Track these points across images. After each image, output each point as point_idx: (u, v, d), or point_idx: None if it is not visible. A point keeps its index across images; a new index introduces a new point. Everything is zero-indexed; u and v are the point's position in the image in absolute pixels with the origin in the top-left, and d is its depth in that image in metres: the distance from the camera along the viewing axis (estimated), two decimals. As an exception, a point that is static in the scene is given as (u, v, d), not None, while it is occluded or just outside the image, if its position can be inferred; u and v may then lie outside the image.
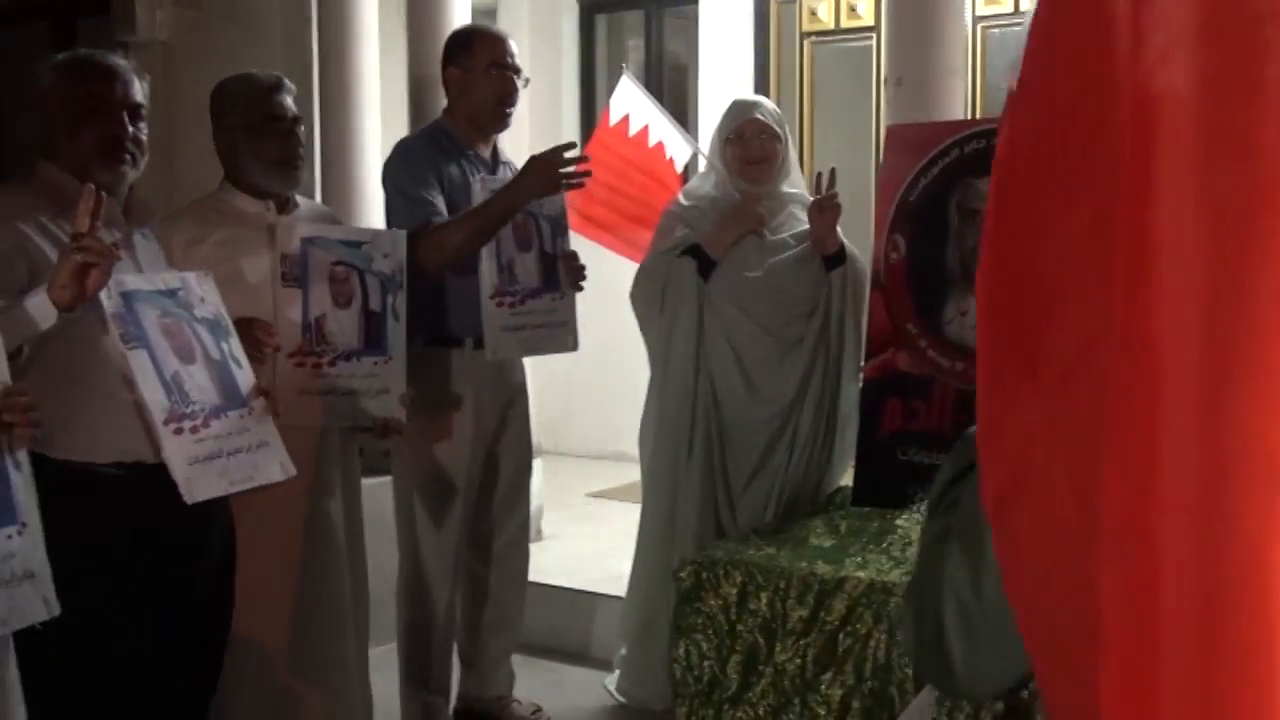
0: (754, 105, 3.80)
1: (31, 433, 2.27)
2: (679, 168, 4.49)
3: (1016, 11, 6.57)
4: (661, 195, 4.29)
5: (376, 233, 3.27)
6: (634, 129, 4.45)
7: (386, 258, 3.23)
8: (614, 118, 4.45)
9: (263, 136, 3.17)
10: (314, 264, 3.13)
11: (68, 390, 2.58)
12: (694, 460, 3.69)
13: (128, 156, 2.70)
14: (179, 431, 2.57)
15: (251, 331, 2.96)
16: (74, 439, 2.59)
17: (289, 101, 3.23)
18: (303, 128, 3.27)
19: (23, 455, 2.26)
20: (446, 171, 3.56)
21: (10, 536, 2.19)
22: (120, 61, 2.75)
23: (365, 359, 3.20)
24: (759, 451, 3.68)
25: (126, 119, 2.69)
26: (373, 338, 3.21)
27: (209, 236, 3.14)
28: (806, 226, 3.72)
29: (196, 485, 2.57)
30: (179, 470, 2.54)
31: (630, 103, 4.42)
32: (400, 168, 3.61)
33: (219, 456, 2.64)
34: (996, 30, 6.57)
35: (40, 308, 2.33)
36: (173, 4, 7.27)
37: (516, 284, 3.54)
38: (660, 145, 4.49)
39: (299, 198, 3.38)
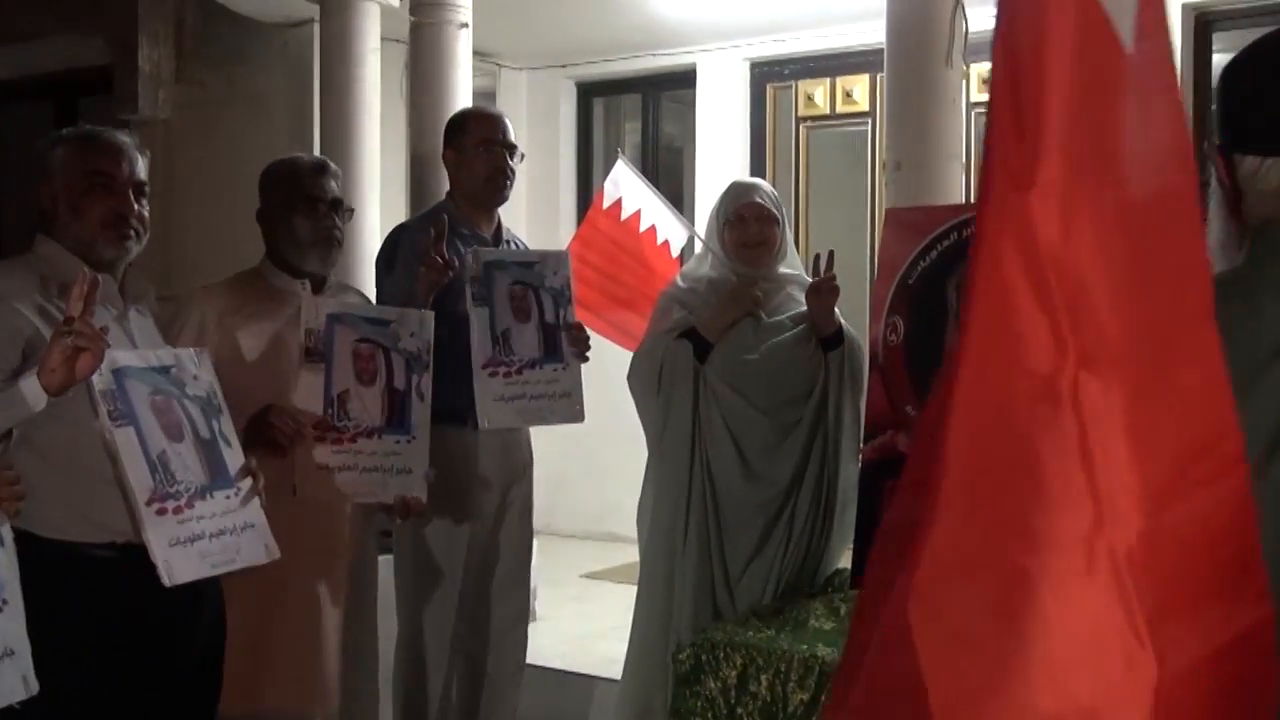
0: (753, 188, 3.82)
1: (16, 507, 2.24)
2: (674, 252, 4.50)
3: (1010, 98, 6.63)
4: (651, 281, 4.29)
5: (403, 312, 3.28)
6: (626, 213, 4.47)
7: (413, 337, 3.24)
8: (607, 201, 4.48)
9: (300, 216, 3.22)
10: (339, 340, 3.15)
11: (60, 469, 2.56)
12: (690, 543, 3.66)
13: (131, 233, 2.71)
14: (162, 512, 2.54)
15: (270, 419, 2.97)
16: (65, 518, 2.57)
17: (330, 184, 3.29)
18: (346, 210, 3.32)
19: (6, 531, 2.24)
20: (441, 251, 3.56)
21: None
22: (125, 138, 2.77)
23: (388, 437, 3.20)
24: (757, 534, 3.65)
25: (131, 196, 2.70)
26: (396, 416, 3.21)
27: (243, 310, 3.18)
28: (804, 308, 3.73)
29: (176, 567, 2.54)
30: (159, 552, 2.51)
31: (624, 187, 4.44)
32: (380, 254, 3.75)
33: (202, 538, 2.61)
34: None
35: (30, 391, 2.32)
36: (175, 83, 7.34)
37: (512, 354, 3.53)
38: (652, 230, 4.51)
39: (337, 280, 3.44)
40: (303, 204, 3.23)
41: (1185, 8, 6.03)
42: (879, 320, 3.72)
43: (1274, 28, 1.63)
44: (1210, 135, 1.73)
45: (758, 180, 3.99)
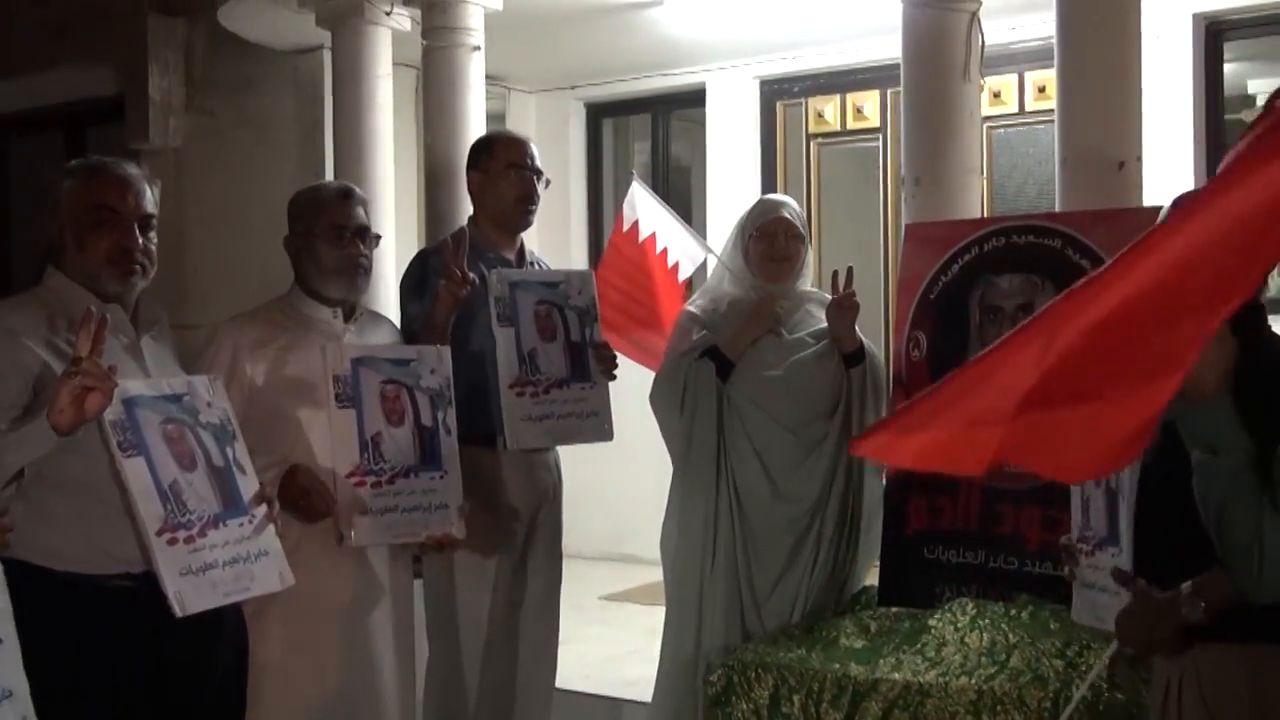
0: (781, 204, 3.81)
1: (4, 539, 2.22)
2: (684, 274, 4.45)
3: (1021, 112, 6.62)
4: (665, 303, 4.26)
5: (421, 349, 3.27)
6: (643, 235, 4.43)
7: (433, 373, 3.24)
8: (626, 223, 4.44)
9: (325, 243, 3.22)
10: (365, 383, 3.14)
11: (74, 501, 2.54)
12: (719, 563, 3.63)
13: (137, 268, 2.69)
14: (173, 542, 2.52)
15: (305, 487, 2.98)
16: (81, 551, 2.54)
17: (356, 211, 3.27)
18: (374, 237, 3.30)
19: None
20: (461, 265, 3.54)
21: None
22: (133, 170, 2.75)
23: (423, 475, 3.20)
24: (785, 553, 3.62)
25: (137, 230, 2.68)
26: (427, 453, 3.21)
27: (275, 340, 3.18)
28: (824, 325, 3.70)
29: (188, 597, 2.52)
30: (170, 582, 2.49)
31: (640, 209, 4.41)
32: (404, 280, 3.73)
33: (214, 567, 2.59)
34: (1001, 130, 6.62)
35: (40, 432, 2.30)
36: (185, 111, 7.34)
37: (539, 374, 3.52)
38: (664, 253, 4.48)
39: (366, 307, 3.43)
40: (328, 232, 3.22)
41: (1196, 17, 6.01)
42: (901, 336, 3.70)
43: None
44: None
45: (786, 197, 3.98)
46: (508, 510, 3.66)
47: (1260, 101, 7.44)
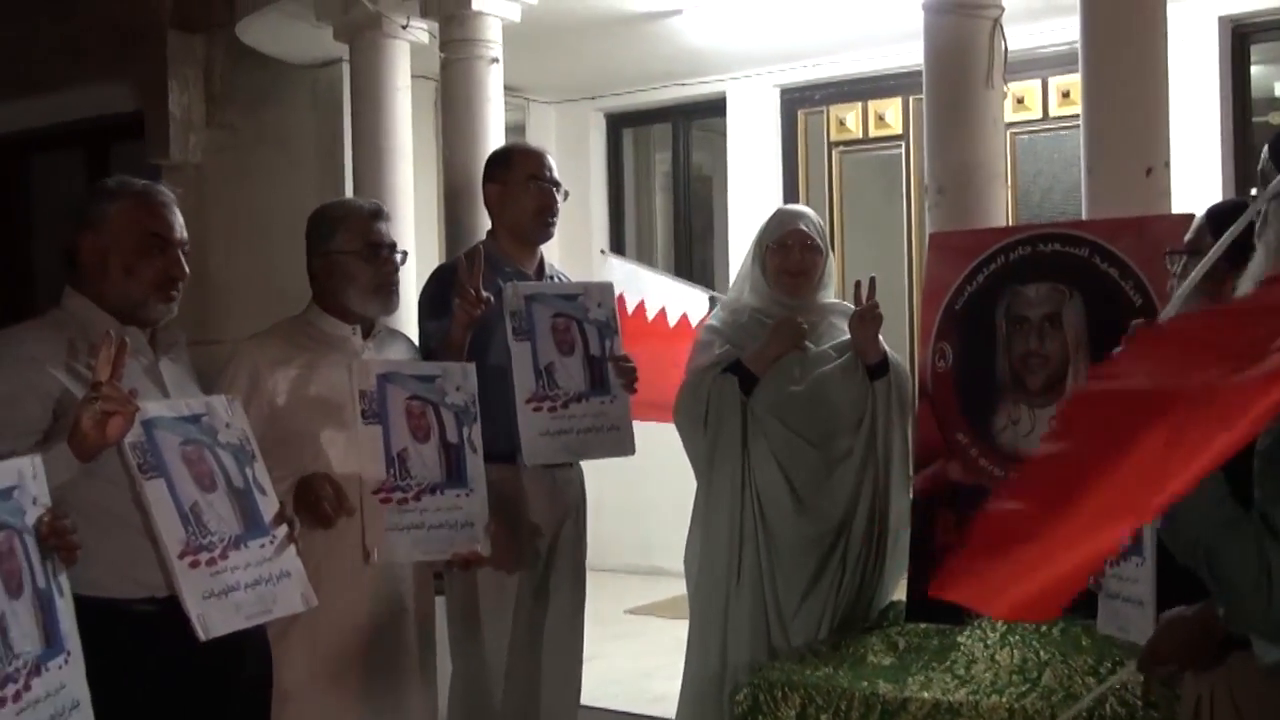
0: (799, 216, 3.76)
1: (74, 556, 2.21)
2: (696, 320, 4.37)
3: (1045, 117, 6.57)
4: (668, 365, 4.16)
5: (446, 366, 3.24)
6: (631, 306, 4.34)
7: (459, 390, 3.20)
8: (630, 307, 4.33)
9: (363, 262, 3.20)
10: (391, 399, 3.11)
11: (95, 525, 2.50)
12: (743, 580, 3.58)
13: (175, 293, 2.68)
14: (195, 564, 2.49)
15: (314, 487, 2.96)
16: (103, 574, 2.51)
17: (386, 229, 3.27)
18: (400, 254, 3.29)
19: (64, 581, 2.20)
20: (476, 284, 3.51)
21: (60, 667, 2.13)
22: (170, 193, 2.75)
23: (449, 492, 3.16)
24: (811, 569, 3.57)
25: (181, 256, 2.68)
26: (453, 470, 3.18)
27: (295, 358, 3.16)
28: (847, 337, 3.65)
29: (211, 620, 2.49)
30: (193, 605, 2.46)
31: (622, 283, 4.30)
32: (423, 296, 3.69)
33: (236, 589, 2.56)
34: (1025, 136, 6.56)
35: (60, 457, 2.28)
36: (205, 127, 7.35)
37: (557, 388, 3.47)
38: (662, 314, 4.40)
39: (384, 324, 3.42)
40: (363, 250, 3.21)
41: (1222, 20, 5.95)
42: (926, 347, 3.65)
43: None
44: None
45: (804, 208, 3.93)
46: (531, 527, 3.62)
47: (1287, 104, 7.38)
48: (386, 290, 3.23)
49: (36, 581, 2.12)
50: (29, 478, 2.15)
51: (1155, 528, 2.39)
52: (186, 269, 2.70)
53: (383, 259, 3.22)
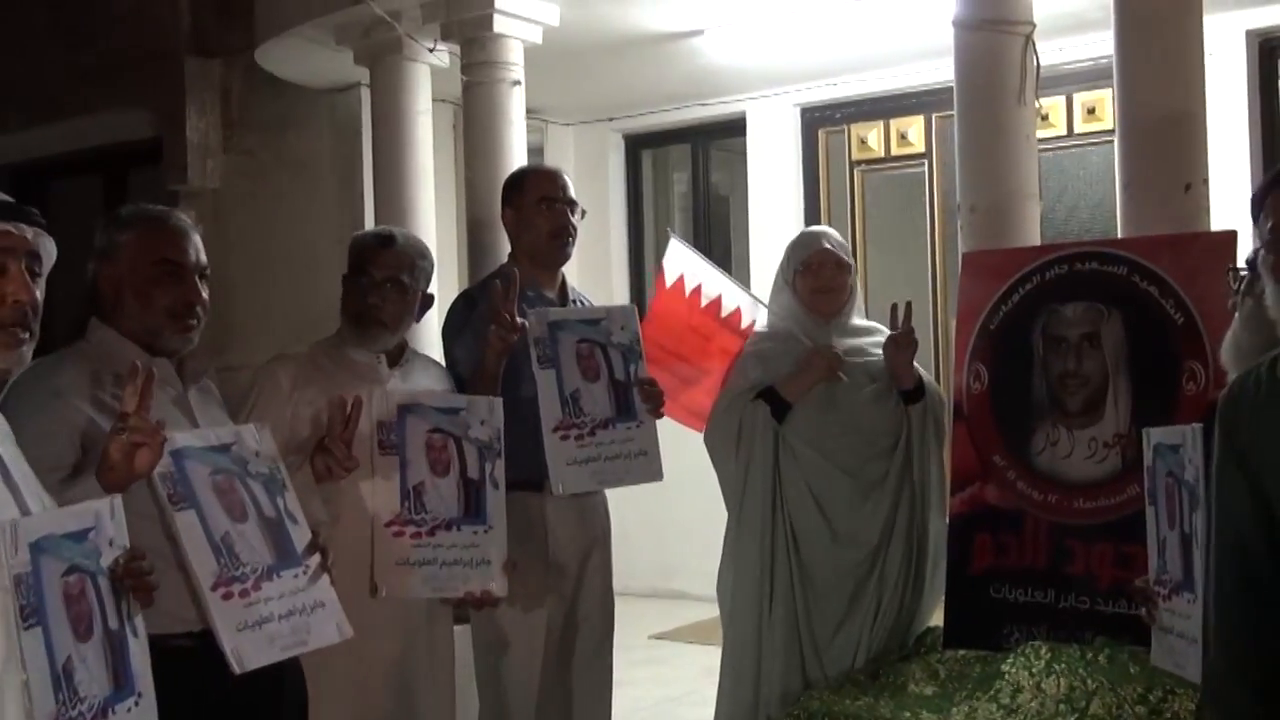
0: (821, 235, 3.73)
1: (150, 598, 2.17)
2: (748, 320, 4.32)
3: (1070, 134, 6.52)
4: (717, 357, 4.13)
5: (472, 399, 3.19)
6: (689, 288, 4.30)
7: (483, 424, 3.15)
8: (669, 279, 4.29)
9: (349, 289, 3.19)
10: (411, 431, 3.07)
11: None
12: (776, 610, 3.52)
13: (195, 321, 2.62)
14: (228, 596, 2.44)
15: (327, 449, 2.88)
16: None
17: (388, 260, 3.19)
18: (403, 291, 3.21)
19: (140, 623, 2.17)
20: (510, 309, 3.46)
21: (129, 710, 2.09)
22: (186, 220, 2.69)
23: (465, 528, 3.10)
24: (847, 598, 3.51)
25: (198, 283, 2.62)
26: (472, 506, 3.12)
27: (317, 381, 3.12)
28: (878, 359, 3.60)
29: (246, 653, 2.43)
30: (227, 639, 2.41)
31: (683, 264, 4.27)
32: (446, 322, 3.65)
33: (270, 621, 2.50)
34: (1050, 153, 6.51)
35: (89, 491, 2.23)
36: (223, 152, 7.34)
37: (583, 415, 3.41)
38: (717, 302, 4.34)
39: (414, 351, 3.37)
40: (356, 276, 3.18)
41: (1249, 34, 5.90)
42: (961, 369, 3.59)
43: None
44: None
45: (825, 228, 3.90)
46: (558, 557, 3.57)
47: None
48: (365, 321, 3.17)
49: (109, 623, 2.08)
50: (106, 519, 2.11)
51: (1204, 560, 2.35)
52: (204, 296, 2.64)
53: (364, 289, 3.16)
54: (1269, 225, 1.99)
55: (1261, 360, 2.07)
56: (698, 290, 4.15)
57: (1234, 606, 2.04)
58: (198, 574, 2.41)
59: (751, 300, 4.12)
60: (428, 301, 3.31)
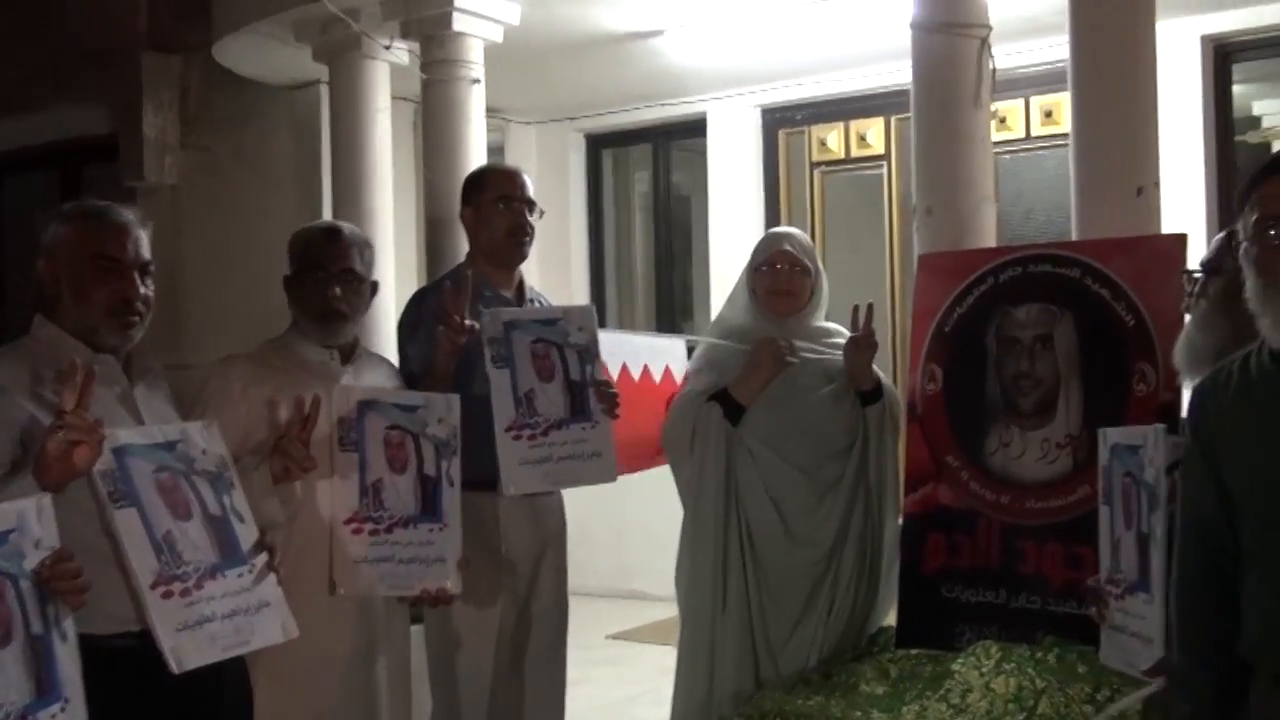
0: (785, 237, 3.73)
1: (80, 600, 2.16)
2: (680, 374, 4.32)
3: (1028, 137, 6.57)
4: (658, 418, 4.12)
5: (429, 396, 3.17)
6: (614, 371, 4.27)
7: (441, 422, 3.13)
8: (614, 371, 4.27)
9: (304, 285, 3.14)
10: (370, 428, 3.05)
11: None
12: (731, 609, 3.52)
13: (136, 318, 2.60)
14: (168, 595, 2.42)
15: (285, 449, 2.85)
16: (78, 611, 2.44)
17: (343, 252, 3.17)
18: (360, 281, 3.19)
19: (69, 626, 2.15)
20: (461, 310, 3.45)
21: (54, 716, 2.08)
22: (129, 215, 2.66)
23: (422, 526, 3.09)
24: (802, 598, 3.51)
25: (137, 278, 2.59)
26: (429, 504, 3.11)
27: (269, 380, 3.09)
28: (838, 359, 3.60)
29: (185, 653, 2.42)
30: (166, 638, 2.39)
31: (619, 351, 4.25)
32: (402, 320, 3.65)
33: (212, 620, 2.49)
34: (1008, 156, 6.56)
35: (25, 488, 2.21)
36: (180, 148, 7.29)
37: (537, 415, 3.40)
38: (646, 373, 4.33)
39: (365, 349, 3.34)
40: (308, 271, 3.14)
41: (1205, 39, 5.96)
42: (916, 370, 3.61)
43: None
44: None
45: (792, 230, 3.89)
46: (511, 556, 3.56)
47: (1266, 123, 7.41)
48: (327, 315, 3.13)
49: (31, 628, 2.06)
50: (31, 520, 2.09)
51: (1163, 561, 2.38)
52: (145, 291, 2.61)
53: (319, 282, 3.12)
54: (1254, 218, 2.01)
55: (1234, 356, 2.11)
56: (624, 370, 4.15)
57: (1197, 598, 2.09)
58: (137, 572, 2.39)
59: (668, 344, 4.12)
60: (374, 289, 3.29)
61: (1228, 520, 2.03)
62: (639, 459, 3.88)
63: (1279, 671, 1.94)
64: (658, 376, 4.13)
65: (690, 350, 4.12)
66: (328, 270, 3.14)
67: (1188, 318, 2.66)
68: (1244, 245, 2.04)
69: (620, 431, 3.58)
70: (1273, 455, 1.96)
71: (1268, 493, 1.96)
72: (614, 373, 3.98)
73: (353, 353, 3.23)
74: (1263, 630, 1.96)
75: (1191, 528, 2.10)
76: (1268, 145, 7.40)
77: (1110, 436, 2.71)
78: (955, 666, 3.12)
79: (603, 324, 3.73)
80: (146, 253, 2.63)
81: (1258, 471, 1.98)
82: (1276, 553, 1.95)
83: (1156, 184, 3.73)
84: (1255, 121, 7.43)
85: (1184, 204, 5.53)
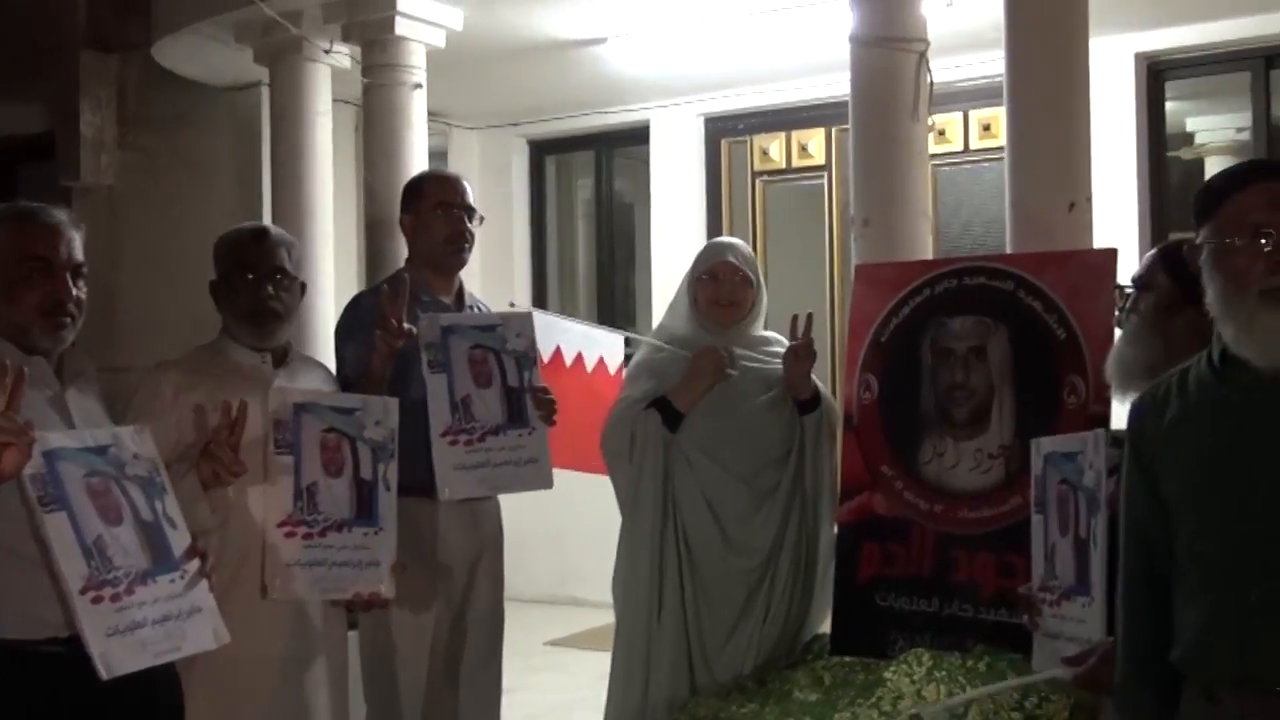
0: (728, 247, 3.75)
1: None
2: (614, 367, 4.34)
3: (966, 150, 6.64)
4: (598, 409, 4.13)
5: (367, 399, 3.15)
6: (546, 356, 4.27)
7: (378, 425, 3.12)
8: (546, 355, 4.26)
9: (235, 288, 3.11)
10: (306, 430, 3.03)
11: None
12: (666, 616, 3.53)
13: (68, 319, 2.57)
14: (98, 600, 2.40)
15: (214, 454, 2.82)
16: (5, 616, 2.41)
17: (273, 252, 3.14)
18: (293, 282, 3.17)
19: None
20: (397, 314, 3.45)
21: None
22: (62, 216, 2.63)
23: (356, 529, 3.07)
24: (738, 606, 3.53)
25: (69, 280, 2.57)
26: (364, 508, 3.09)
27: (200, 385, 3.05)
28: (777, 368, 3.63)
29: (114, 658, 2.39)
30: (95, 643, 2.37)
31: (550, 335, 4.25)
32: (339, 323, 3.65)
33: (143, 625, 2.46)
34: (947, 168, 6.63)
35: None
36: (118, 148, 7.21)
37: (473, 421, 3.41)
38: (580, 360, 4.33)
39: (298, 352, 3.32)
40: (238, 274, 3.11)
41: (1139, 56, 6.06)
42: (852, 379, 3.64)
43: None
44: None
45: (735, 241, 3.91)
46: (447, 562, 3.56)
47: (1198, 140, 7.55)
48: (260, 317, 3.10)
49: None
50: None
51: (1103, 563, 2.42)
52: (78, 293, 2.58)
53: (252, 284, 3.09)
54: (1227, 225, 1.99)
55: (1172, 372, 2.13)
56: (557, 353, 4.16)
57: (1138, 607, 2.12)
58: (66, 577, 2.36)
59: (606, 336, 4.14)
60: (303, 288, 3.27)
61: (1165, 533, 2.06)
62: (568, 453, 3.87)
63: (1209, 683, 1.97)
64: (590, 365, 4.16)
65: (628, 349, 4.14)
66: (258, 271, 3.11)
67: (1119, 332, 2.70)
68: (1208, 252, 2.03)
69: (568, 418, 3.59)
70: (1207, 467, 2.00)
71: (1200, 505, 2.00)
72: (546, 355, 3.99)
73: (285, 356, 3.21)
74: (1194, 642, 1.99)
75: (1132, 539, 2.14)
76: (1200, 161, 7.54)
77: (1044, 446, 2.75)
78: (887, 674, 3.15)
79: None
80: (79, 254, 2.61)
81: (1193, 485, 2.02)
82: (1208, 565, 1.98)
83: (1089, 199, 3.79)
84: (1188, 138, 7.56)
85: (1116, 219, 5.62)
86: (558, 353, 4.13)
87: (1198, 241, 2.06)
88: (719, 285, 3.65)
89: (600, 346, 4.26)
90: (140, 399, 3.02)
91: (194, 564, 2.60)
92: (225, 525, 2.97)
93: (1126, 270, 2.88)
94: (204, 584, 2.61)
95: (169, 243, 6.93)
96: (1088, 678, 2.35)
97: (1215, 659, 1.96)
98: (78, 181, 7.06)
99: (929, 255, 4.19)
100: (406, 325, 3.31)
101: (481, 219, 3.76)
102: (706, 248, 3.81)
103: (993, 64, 5.62)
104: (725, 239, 4.07)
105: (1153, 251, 2.71)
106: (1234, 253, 1.98)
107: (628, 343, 4.39)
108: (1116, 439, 2.50)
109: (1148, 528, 2.09)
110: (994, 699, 2.96)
